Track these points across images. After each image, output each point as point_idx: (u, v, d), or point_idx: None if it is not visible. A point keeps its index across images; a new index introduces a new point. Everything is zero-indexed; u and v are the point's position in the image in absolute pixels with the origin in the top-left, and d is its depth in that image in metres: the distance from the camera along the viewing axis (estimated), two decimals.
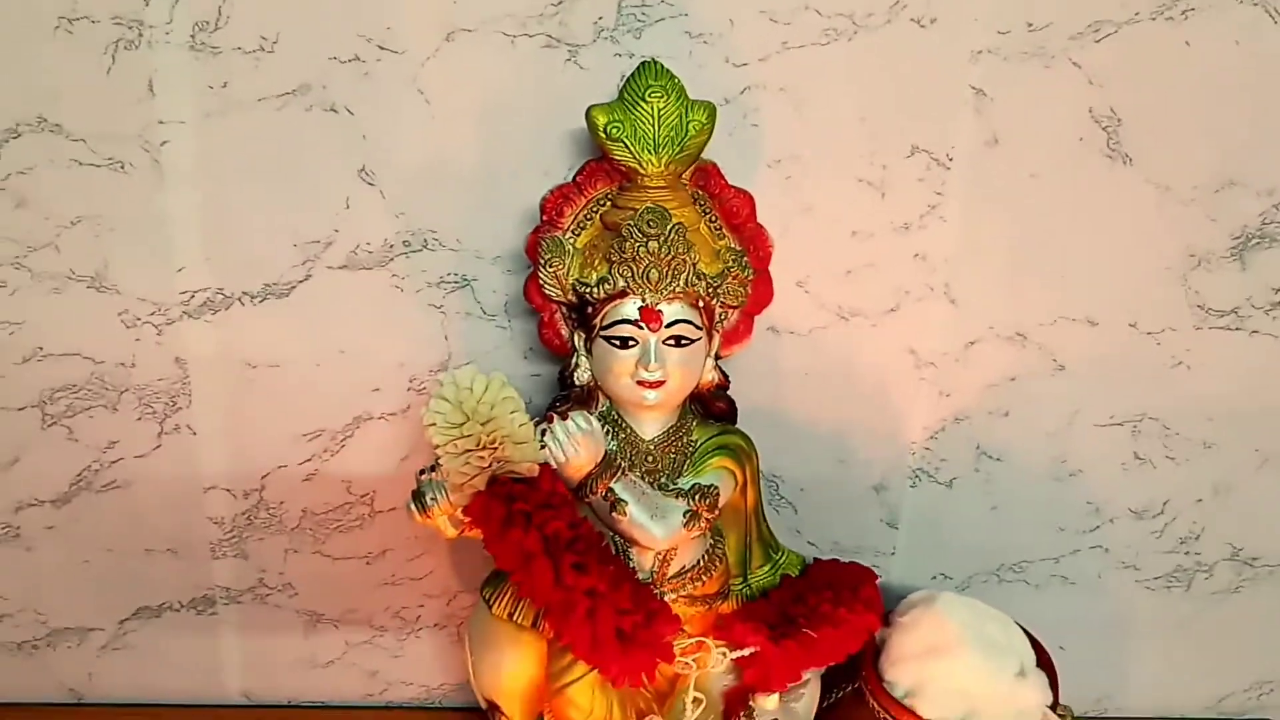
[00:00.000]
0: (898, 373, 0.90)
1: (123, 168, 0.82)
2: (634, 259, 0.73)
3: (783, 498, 0.94)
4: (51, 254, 0.85)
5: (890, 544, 0.96)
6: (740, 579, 0.83)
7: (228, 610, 0.98)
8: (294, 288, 0.86)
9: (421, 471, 0.74)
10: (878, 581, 0.83)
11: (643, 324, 0.73)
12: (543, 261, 0.76)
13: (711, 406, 0.80)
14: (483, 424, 0.70)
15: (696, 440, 0.78)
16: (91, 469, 0.92)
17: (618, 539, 0.76)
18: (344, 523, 0.95)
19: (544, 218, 0.78)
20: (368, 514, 0.95)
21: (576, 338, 0.77)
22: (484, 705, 0.85)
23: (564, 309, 0.78)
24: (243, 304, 0.87)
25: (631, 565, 0.77)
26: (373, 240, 0.85)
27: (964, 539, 0.96)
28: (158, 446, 0.91)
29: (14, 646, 0.99)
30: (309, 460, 0.92)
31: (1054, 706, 0.80)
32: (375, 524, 0.95)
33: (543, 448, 0.72)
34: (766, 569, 0.84)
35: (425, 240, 0.85)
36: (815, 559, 0.86)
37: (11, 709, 1.00)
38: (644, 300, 0.73)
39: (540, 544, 0.70)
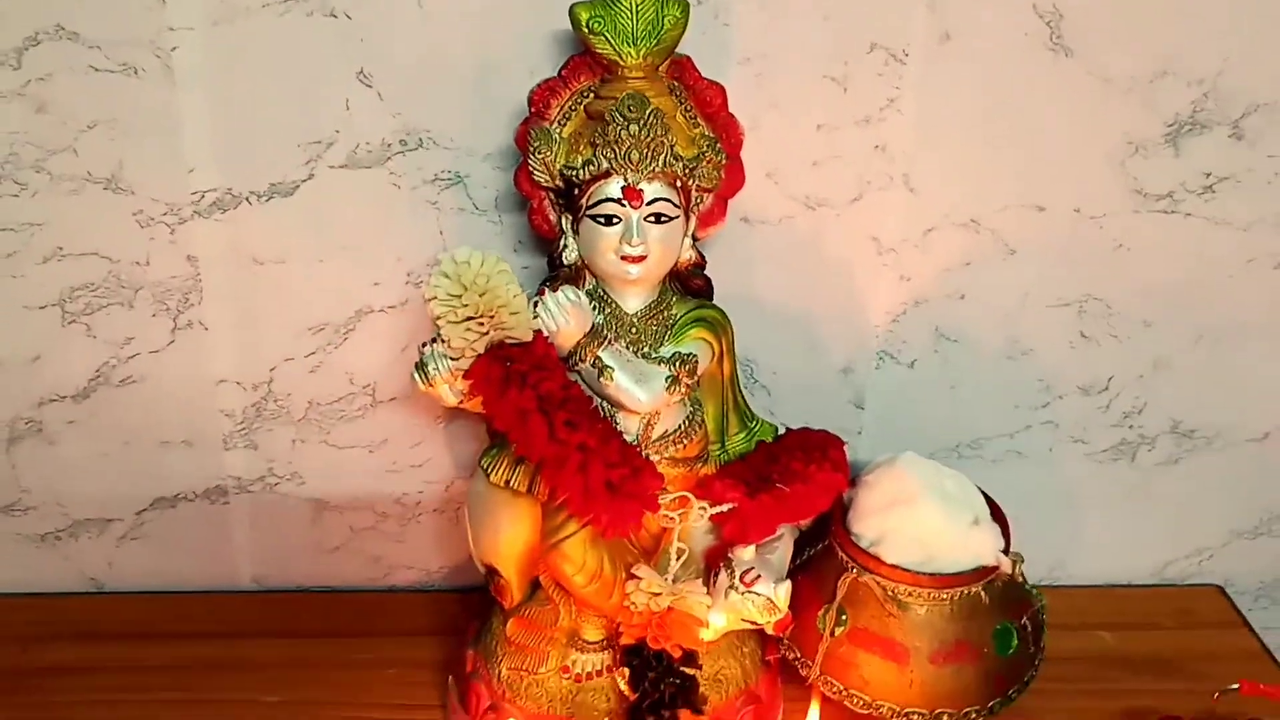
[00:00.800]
0: (861, 259, 0.97)
1: (135, 73, 0.88)
2: (616, 141, 0.79)
3: (756, 381, 1.01)
4: (70, 157, 0.90)
5: (857, 424, 1.03)
6: (718, 445, 0.90)
7: (239, 499, 1.05)
8: (298, 187, 0.92)
9: (424, 344, 0.80)
10: (845, 448, 0.91)
11: (625, 202, 0.80)
12: (532, 150, 0.82)
13: (690, 284, 0.87)
14: (480, 295, 0.76)
15: (676, 314, 0.85)
16: (109, 365, 0.98)
17: (605, 404, 0.83)
18: (347, 413, 1.01)
19: (532, 110, 0.84)
20: (369, 404, 1.01)
21: (564, 220, 0.84)
22: (482, 571, 0.91)
23: (551, 195, 0.84)
24: (250, 203, 0.93)
25: (618, 428, 0.83)
26: (371, 140, 0.91)
27: (925, 418, 1.03)
28: (171, 342, 0.98)
29: (38, 538, 1.05)
30: (314, 353, 0.99)
31: (1005, 552, 0.88)
32: (377, 413, 1.01)
33: (535, 318, 0.79)
34: (742, 436, 0.91)
35: (420, 139, 0.91)
36: (788, 428, 0.93)
37: (36, 598, 1.06)
38: (626, 180, 0.79)
39: (535, 402, 0.77)
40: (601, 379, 0.81)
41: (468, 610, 1.01)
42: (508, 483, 0.86)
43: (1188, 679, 0.97)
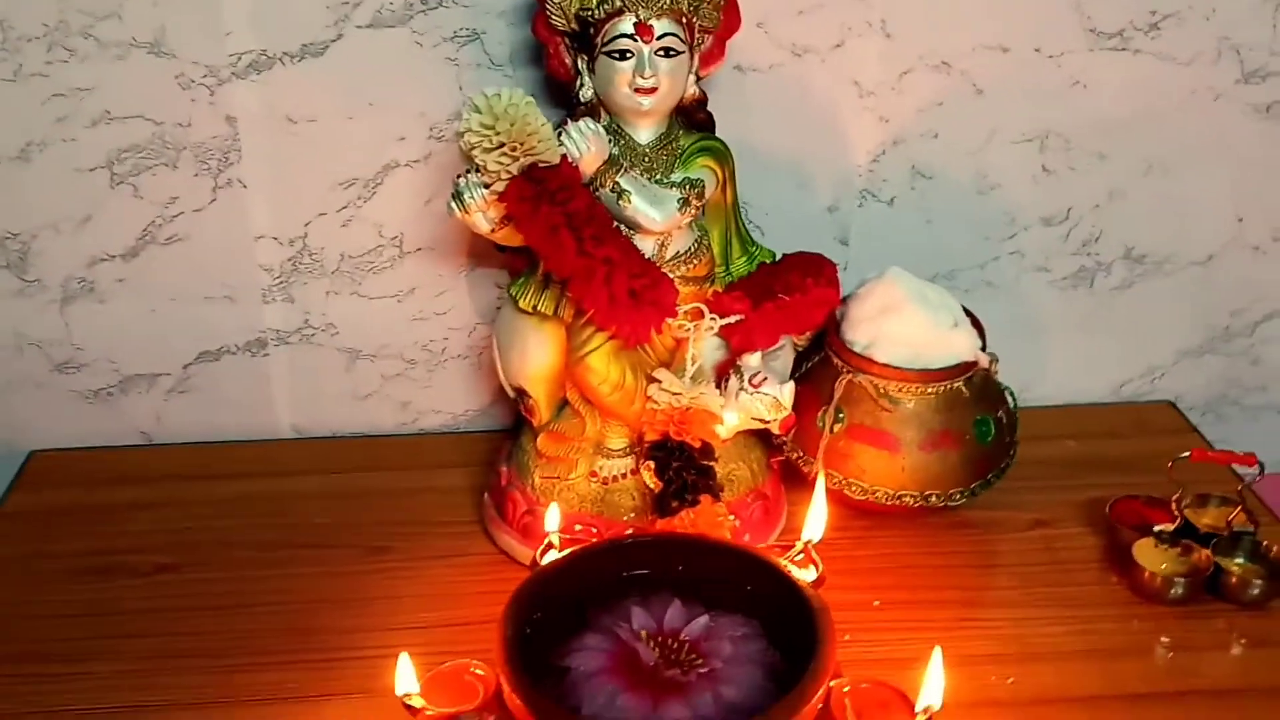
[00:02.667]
0: (844, 103, 1.06)
1: None
2: None
3: (751, 221, 1.10)
4: (115, 23, 0.97)
5: (843, 259, 1.13)
6: (723, 268, 1.00)
7: (278, 351, 1.13)
8: (327, 47, 1.00)
9: (459, 175, 0.89)
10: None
11: (637, 37, 0.88)
12: None
13: (694, 118, 0.96)
14: (511, 124, 0.85)
15: (684, 145, 0.94)
16: (155, 224, 1.05)
17: (623, 227, 0.92)
18: (377, 264, 1.09)
19: None
20: (397, 255, 1.09)
21: (580, 61, 0.92)
22: (512, 394, 1.00)
23: (567, 39, 0.93)
24: (283, 64, 1.00)
25: None
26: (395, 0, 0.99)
27: (904, 251, 1.12)
28: (213, 200, 1.05)
29: (91, 394, 1.13)
30: (345, 207, 1.07)
31: (983, 350, 0.99)
32: (404, 264, 1.10)
33: (560, 146, 0.88)
34: (744, 260, 1.01)
35: None
36: (785, 254, 1.03)
37: (90, 451, 1.14)
38: (638, 17, 0.88)
39: (564, 218, 0.86)
40: (621, 202, 0.91)
41: (494, 449, 1.10)
42: (535, 308, 0.95)
43: (1146, 473, 1.06)
